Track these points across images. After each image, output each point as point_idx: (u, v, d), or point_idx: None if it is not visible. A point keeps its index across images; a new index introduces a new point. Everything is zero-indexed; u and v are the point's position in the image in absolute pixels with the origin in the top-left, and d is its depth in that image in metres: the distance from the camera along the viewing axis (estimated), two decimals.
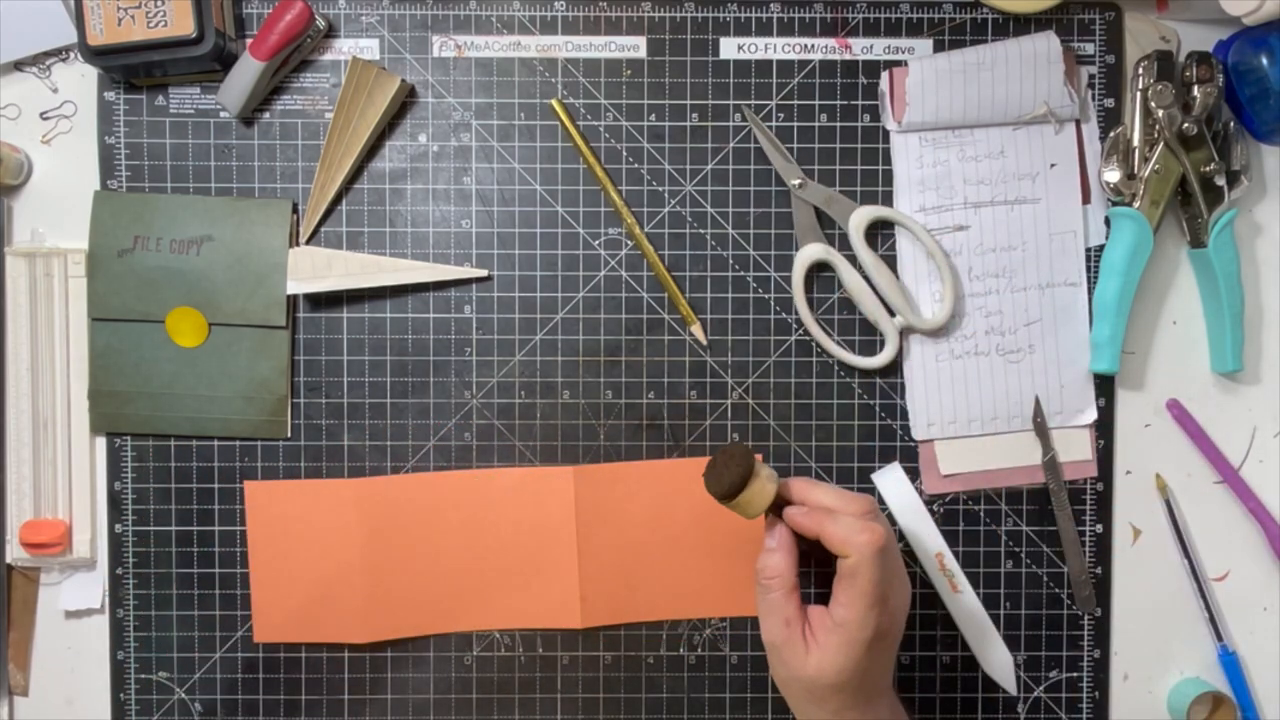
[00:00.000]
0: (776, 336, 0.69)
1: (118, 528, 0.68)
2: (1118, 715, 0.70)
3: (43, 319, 0.68)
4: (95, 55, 0.64)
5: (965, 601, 0.69)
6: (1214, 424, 0.70)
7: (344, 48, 0.68)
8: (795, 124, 0.68)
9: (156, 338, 0.67)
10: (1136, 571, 0.70)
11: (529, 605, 0.68)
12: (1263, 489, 0.70)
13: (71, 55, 0.68)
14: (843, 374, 0.69)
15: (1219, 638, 0.69)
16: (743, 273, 0.69)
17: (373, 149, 0.68)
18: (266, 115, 0.68)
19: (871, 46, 0.68)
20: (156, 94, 0.68)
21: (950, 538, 0.69)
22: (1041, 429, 0.68)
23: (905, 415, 0.69)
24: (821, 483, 0.60)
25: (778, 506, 0.59)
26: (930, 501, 0.69)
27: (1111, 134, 0.68)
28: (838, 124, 0.68)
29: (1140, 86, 0.67)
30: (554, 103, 0.68)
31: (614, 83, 0.68)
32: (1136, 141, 0.67)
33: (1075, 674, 0.69)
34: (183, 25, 0.63)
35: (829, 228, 0.69)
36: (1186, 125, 0.66)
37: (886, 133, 0.68)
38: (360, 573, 0.68)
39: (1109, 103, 0.69)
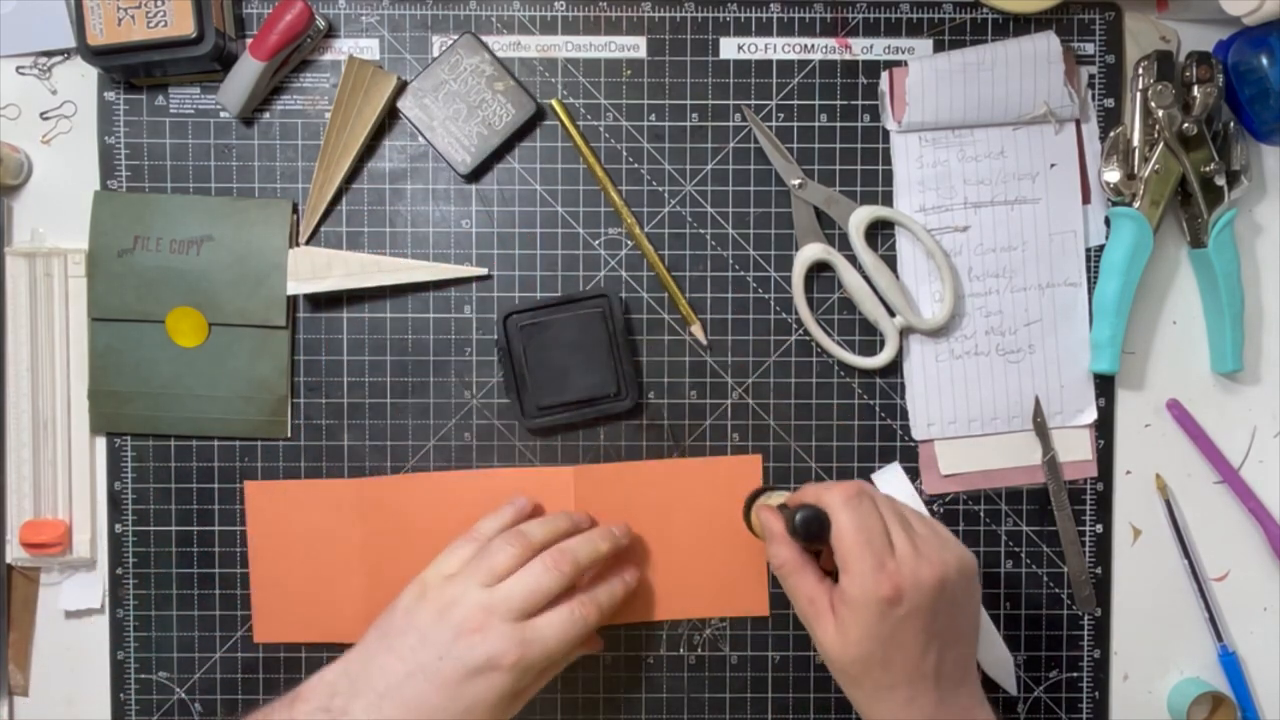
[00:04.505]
0: (776, 336, 0.69)
1: (118, 528, 0.68)
2: (1118, 715, 0.70)
3: (43, 319, 0.68)
4: (95, 55, 0.64)
5: None
6: (1214, 424, 0.70)
7: (344, 48, 0.68)
8: (795, 124, 0.68)
9: (156, 338, 0.67)
10: (1136, 571, 0.70)
11: None
12: (1263, 489, 0.70)
13: (71, 55, 0.68)
14: (843, 374, 0.69)
15: (1219, 638, 0.69)
16: (743, 273, 0.69)
17: (372, 149, 0.68)
18: (266, 115, 0.68)
19: (871, 46, 0.68)
20: (156, 94, 0.68)
21: None
22: (1041, 429, 0.68)
23: (905, 415, 0.69)
24: None
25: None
26: (930, 501, 0.69)
27: (1111, 134, 0.68)
28: (838, 124, 0.68)
29: (1140, 86, 0.67)
30: (554, 103, 0.68)
31: (614, 83, 0.68)
32: (1136, 141, 0.67)
33: (1075, 674, 0.69)
34: (183, 25, 0.63)
35: (829, 228, 0.69)
36: (1186, 125, 0.66)
37: (886, 133, 0.68)
38: (360, 573, 0.68)
39: (1109, 103, 0.69)
